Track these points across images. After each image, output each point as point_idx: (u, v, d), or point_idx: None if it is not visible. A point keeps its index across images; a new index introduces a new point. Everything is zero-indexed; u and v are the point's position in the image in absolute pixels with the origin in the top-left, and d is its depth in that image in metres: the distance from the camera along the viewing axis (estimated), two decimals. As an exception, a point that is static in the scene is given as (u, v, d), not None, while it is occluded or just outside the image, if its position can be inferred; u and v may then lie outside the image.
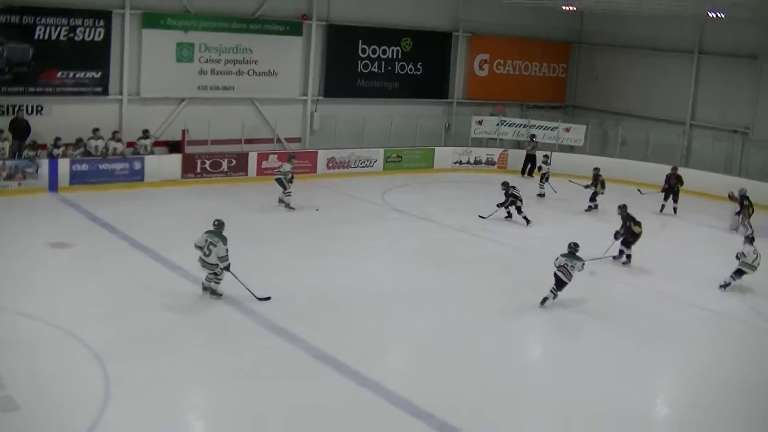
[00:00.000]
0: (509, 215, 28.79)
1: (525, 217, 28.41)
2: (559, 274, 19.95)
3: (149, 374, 15.08)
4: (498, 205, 28.48)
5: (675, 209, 31.97)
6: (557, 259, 20.04)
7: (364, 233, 26.31)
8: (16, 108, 29.81)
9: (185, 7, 33.06)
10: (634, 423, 14.91)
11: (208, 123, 32.78)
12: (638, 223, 24.34)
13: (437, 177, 36.43)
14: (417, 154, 37.58)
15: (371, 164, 36.45)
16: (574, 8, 38.89)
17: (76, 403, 13.74)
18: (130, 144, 31.50)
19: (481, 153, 38.79)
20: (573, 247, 20.15)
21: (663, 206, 32.07)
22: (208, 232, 18.95)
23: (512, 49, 42.71)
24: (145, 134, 31.59)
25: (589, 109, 43.08)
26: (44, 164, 28.64)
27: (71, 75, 30.88)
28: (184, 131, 32.59)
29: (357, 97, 38.31)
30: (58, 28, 30.24)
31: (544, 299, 20.09)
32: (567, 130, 39.75)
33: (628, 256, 24.53)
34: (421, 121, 38.70)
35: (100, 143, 30.42)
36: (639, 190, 33.20)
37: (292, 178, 28.71)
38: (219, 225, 19.18)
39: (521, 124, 40.30)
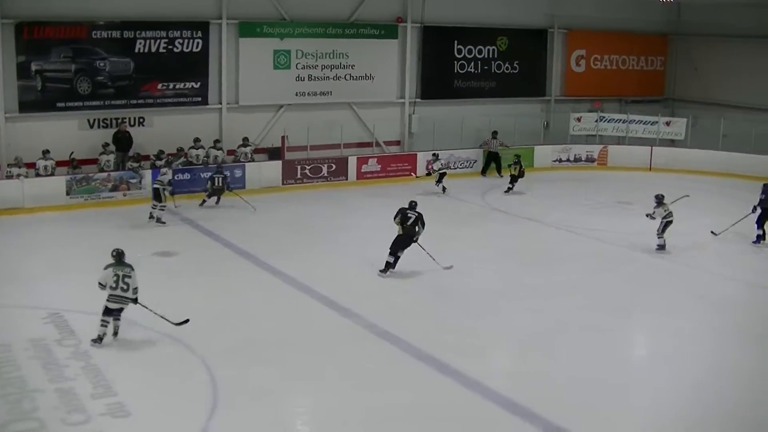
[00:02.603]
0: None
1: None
2: None
3: (256, 380, 15.17)
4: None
5: None
6: None
7: (466, 234, 26.16)
8: (119, 121, 30.40)
9: (281, 14, 33.32)
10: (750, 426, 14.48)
11: (307, 129, 33.02)
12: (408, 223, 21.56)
13: (537, 176, 36.02)
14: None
15: (471, 165, 36.26)
16: (672, -2, 38.30)
17: (185, 409, 13.88)
18: (231, 152, 31.87)
19: (581, 150, 38.34)
20: None
21: (760, 237, 25.45)
22: (112, 265, 16.52)
23: (609, 44, 42.07)
24: (245, 142, 31.91)
25: (689, 102, 41.93)
26: (147, 175, 29.09)
27: (171, 86, 31.40)
28: (283, 138, 32.83)
29: (454, 98, 38.20)
30: (158, 41, 30.77)
31: None
32: (667, 123, 38.95)
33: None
34: (520, 120, 38.28)
35: (201, 152, 30.83)
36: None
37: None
38: (120, 254, 16.74)
39: (621, 120, 39.70)
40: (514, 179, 32.69)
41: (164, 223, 26.37)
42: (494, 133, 36.08)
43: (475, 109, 37.85)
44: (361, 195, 31.34)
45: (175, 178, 29.47)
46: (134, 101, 30.87)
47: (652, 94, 43.64)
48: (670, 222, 24.37)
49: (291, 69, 34.02)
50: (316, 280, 20.71)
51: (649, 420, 14.36)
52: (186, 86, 31.70)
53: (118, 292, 16.35)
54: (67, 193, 28.07)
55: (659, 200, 24.49)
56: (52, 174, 28.27)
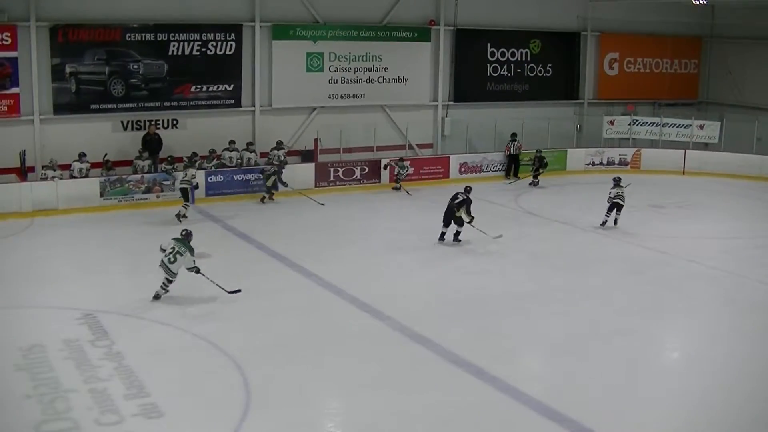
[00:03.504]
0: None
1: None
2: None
3: (288, 382, 15.14)
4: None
5: None
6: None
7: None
8: (149, 123, 30.56)
9: (314, 17, 33.39)
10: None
11: (340, 131, 33.11)
12: (468, 215, 24.57)
13: (570, 179, 35.96)
14: (549, 156, 37.07)
15: (503, 168, 36.13)
16: (705, 1, 37.91)
17: (218, 410, 13.87)
18: (264, 154, 31.91)
19: (614, 153, 38.17)
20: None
21: None
22: (176, 239, 19.18)
23: (642, 47, 41.84)
24: (279, 144, 31.93)
25: (723, 105, 41.60)
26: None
27: (204, 88, 31.54)
28: (316, 140, 32.89)
29: (487, 100, 38.10)
30: (191, 44, 30.91)
31: None
32: (701, 127, 38.57)
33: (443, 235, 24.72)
34: (553, 123, 38.22)
35: (235, 154, 30.88)
36: None
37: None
38: (187, 235, 19.46)
39: (654, 123, 39.48)
40: (536, 173, 34.29)
41: (180, 221, 26.35)
42: (513, 136, 36.01)
43: (507, 112, 37.77)
44: (393, 197, 31.34)
45: (208, 180, 29.62)
46: (167, 103, 31.04)
47: (685, 97, 43.39)
48: (618, 205, 26.83)
49: (324, 72, 34.07)
50: (348, 281, 20.71)
51: (680, 424, 14.28)
52: (219, 89, 31.83)
53: (165, 260, 18.85)
54: (101, 195, 28.22)
55: (616, 182, 27.05)
56: (87, 176, 28.40)
